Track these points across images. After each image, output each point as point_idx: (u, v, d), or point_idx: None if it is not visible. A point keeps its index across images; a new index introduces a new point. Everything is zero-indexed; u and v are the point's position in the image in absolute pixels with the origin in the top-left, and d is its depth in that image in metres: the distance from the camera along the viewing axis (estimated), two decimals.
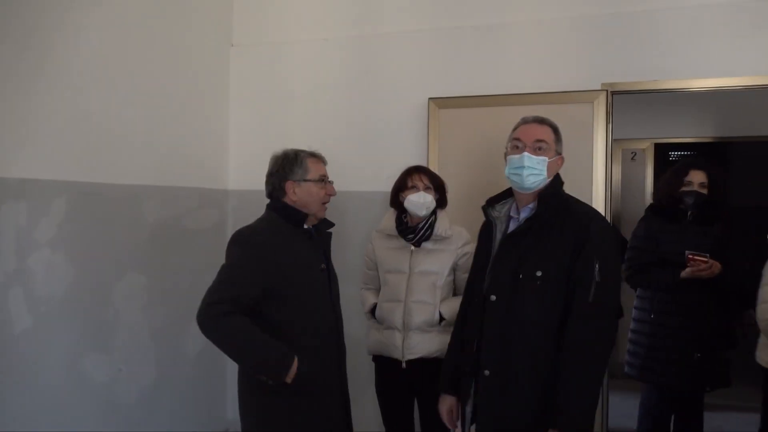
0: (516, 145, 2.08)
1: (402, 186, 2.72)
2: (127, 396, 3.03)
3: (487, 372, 2.01)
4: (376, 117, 3.47)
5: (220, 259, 2.18)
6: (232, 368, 3.70)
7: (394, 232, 2.74)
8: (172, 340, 3.32)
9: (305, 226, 2.29)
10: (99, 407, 2.87)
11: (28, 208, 2.54)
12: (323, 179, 2.32)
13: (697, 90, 3.05)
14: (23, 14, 2.53)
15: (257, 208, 3.49)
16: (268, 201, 2.33)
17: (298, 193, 2.27)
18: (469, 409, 2.12)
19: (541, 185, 2.05)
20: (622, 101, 3.26)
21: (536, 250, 1.98)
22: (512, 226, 2.10)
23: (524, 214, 2.08)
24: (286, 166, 2.27)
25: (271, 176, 2.31)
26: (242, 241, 2.17)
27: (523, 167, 2.01)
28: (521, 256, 1.99)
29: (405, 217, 2.75)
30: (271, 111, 3.70)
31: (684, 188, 3.04)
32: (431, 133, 3.26)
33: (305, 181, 2.27)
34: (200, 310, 2.04)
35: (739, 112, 5.07)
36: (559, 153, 2.11)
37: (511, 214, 2.13)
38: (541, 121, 2.12)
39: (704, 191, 3.02)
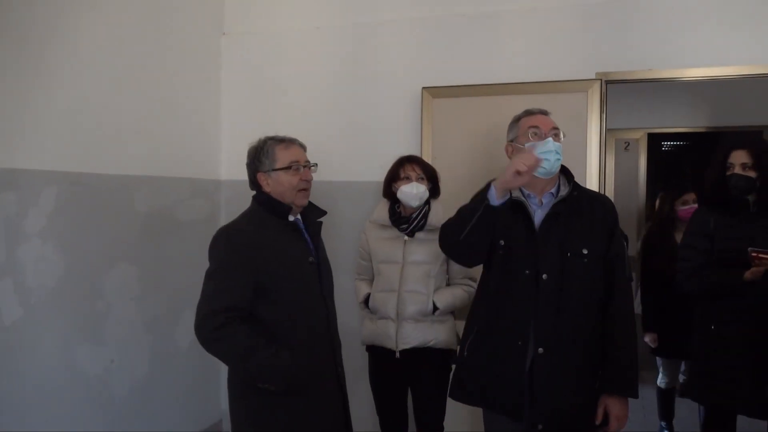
0: (535, 132, 2.10)
1: (395, 176, 2.71)
2: (120, 388, 3.02)
3: (541, 350, 2.04)
4: (369, 106, 3.45)
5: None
6: None
7: (388, 222, 2.73)
8: (165, 331, 3.30)
9: (290, 218, 2.19)
10: (91, 399, 2.85)
11: (17, 198, 2.51)
12: (294, 165, 2.17)
13: (691, 79, 3.05)
14: (16, 7, 2.48)
15: (250, 198, 3.50)
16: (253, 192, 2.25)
17: (271, 185, 2.16)
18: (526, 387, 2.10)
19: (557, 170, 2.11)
20: (616, 90, 3.26)
21: (578, 230, 2.08)
22: (534, 208, 2.12)
23: (547, 199, 2.13)
24: (255, 158, 2.18)
25: (247, 168, 2.23)
26: (226, 242, 2.07)
27: (551, 151, 2.01)
28: (565, 236, 2.07)
29: (398, 207, 2.74)
30: (262, 100, 3.67)
31: (729, 172, 2.59)
32: (425, 122, 3.25)
33: (274, 170, 2.16)
34: (197, 324, 1.98)
35: (732, 102, 5.08)
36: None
37: (531, 195, 2.14)
38: (545, 112, 2.20)
39: (751, 174, 2.53)
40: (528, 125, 2.13)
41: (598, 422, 2.06)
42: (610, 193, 5.30)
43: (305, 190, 2.20)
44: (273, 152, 2.16)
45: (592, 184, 2.99)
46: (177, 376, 3.40)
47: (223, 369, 3.63)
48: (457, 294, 2.69)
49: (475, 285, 2.47)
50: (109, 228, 2.94)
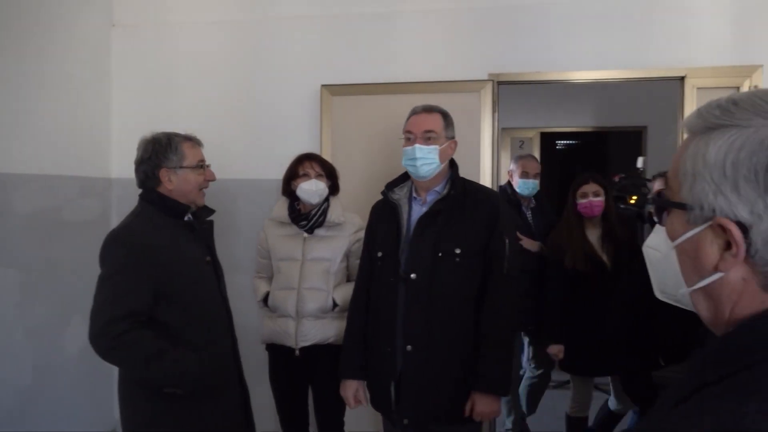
0: (408, 137, 2.20)
1: (293, 174, 2.70)
2: (1, 401, 2.82)
3: (409, 347, 2.10)
4: (268, 103, 3.41)
5: None
6: None
7: (287, 219, 2.72)
8: (51, 338, 3.12)
9: (186, 218, 2.14)
10: None
11: None
12: (201, 165, 2.16)
13: (576, 81, 3.23)
14: None
15: None
16: (140, 191, 2.15)
17: (175, 182, 2.09)
18: (392, 385, 2.18)
19: (436, 171, 2.17)
20: (510, 91, 3.40)
21: (452, 229, 2.12)
22: (417, 208, 2.22)
23: (431, 197, 2.20)
24: (160, 153, 2.08)
25: (141, 164, 2.11)
26: (120, 245, 1.98)
27: (416, 158, 2.14)
28: (438, 235, 2.11)
29: (297, 204, 2.73)
30: (156, 95, 3.54)
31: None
32: (324, 120, 3.25)
33: (182, 168, 2.10)
34: (96, 333, 1.88)
35: (615, 104, 5.43)
36: (450, 137, 2.22)
37: (414, 195, 2.24)
38: (429, 109, 2.22)
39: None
40: (405, 129, 2.22)
41: (465, 416, 2.10)
42: None
43: (204, 189, 2.19)
44: (181, 149, 2.10)
45: (485, 181, 3.10)
46: (65, 385, 3.21)
47: (116, 376, 3.50)
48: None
49: None
50: None
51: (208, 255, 2.18)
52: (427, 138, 2.15)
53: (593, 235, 3.11)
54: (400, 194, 2.26)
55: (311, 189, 2.64)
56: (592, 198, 3.08)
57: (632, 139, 5.99)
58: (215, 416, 2.08)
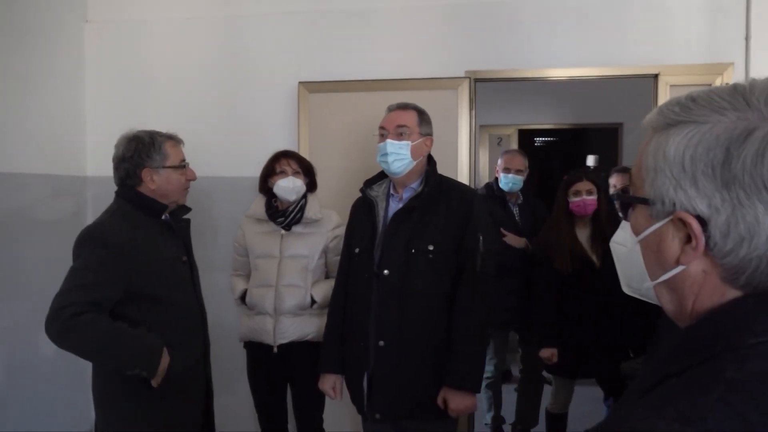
0: (381, 133, 2.21)
1: (270, 172, 2.69)
2: None
3: (381, 343, 2.12)
4: (245, 100, 3.38)
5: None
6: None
7: (264, 216, 2.71)
8: (25, 339, 3.07)
9: (164, 217, 2.12)
10: None
11: None
12: (183, 164, 2.15)
13: (553, 79, 3.26)
14: None
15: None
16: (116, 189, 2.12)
17: (157, 181, 2.06)
18: (365, 380, 2.20)
19: (409, 168, 2.17)
20: (489, 89, 3.42)
21: (426, 226, 2.13)
22: (393, 205, 2.22)
23: (407, 194, 2.21)
24: (142, 152, 2.05)
25: (122, 162, 2.07)
26: (96, 241, 1.94)
27: (387, 153, 2.15)
28: (412, 232, 2.13)
29: (275, 201, 2.72)
30: (131, 93, 3.50)
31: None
32: (301, 117, 3.24)
33: (165, 167, 2.07)
34: (50, 316, 1.83)
35: (592, 101, 5.48)
36: (426, 134, 2.22)
37: (392, 192, 2.26)
38: (404, 106, 2.23)
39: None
40: (379, 126, 2.23)
41: (439, 411, 2.11)
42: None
43: (187, 189, 2.18)
44: (164, 148, 2.08)
45: (462, 177, 3.11)
46: (40, 386, 3.17)
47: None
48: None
49: None
50: None
51: (184, 254, 2.16)
52: (399, 133, 2.17)
53: (583, 234, 3.03)
54: (378, 191, 2.27)
55: (288, 186, 2.63)
56: (585, 196, 2.97)
57: (609, 136, 6.06)
58: (181, 415, 2.08)
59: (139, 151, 2.06)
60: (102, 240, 1.94)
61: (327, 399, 2.64)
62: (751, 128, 0.60)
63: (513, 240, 3.35)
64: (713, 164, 0.61)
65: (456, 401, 2.08)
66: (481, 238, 2.11)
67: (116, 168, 2.09)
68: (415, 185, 2.21)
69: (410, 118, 2.20)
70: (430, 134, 2.24)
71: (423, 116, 2.24)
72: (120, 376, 1.97)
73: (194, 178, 2.19)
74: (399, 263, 2.11)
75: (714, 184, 0.61)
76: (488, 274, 2.15)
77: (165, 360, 1.97)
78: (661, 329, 1.95)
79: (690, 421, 0.54)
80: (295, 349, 2.62)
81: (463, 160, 3.14)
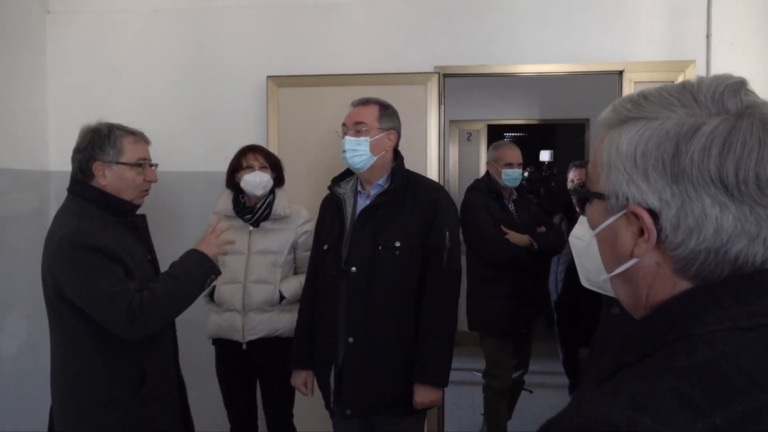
0: (343, 130, 2.21)
1: (237, 166, 2.67)
2: None
3: (351, 339, 2.13)
4: (213, 94, 3.34)
5: (41, 247, 1.92)
6: None
7: (232, 213, 2.68)
8: None
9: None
10: None
11: None
12: (142, 163, 2.02)
13: (520, 75, 3.29)
14: None
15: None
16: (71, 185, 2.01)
17: (109, 177, 1.95)
18: (332, 376, 2.21)
19: (370, 163, 2.16)
20: (458, 84, 3.44)
21: (392, 222, 2.13)
22: (361, 202, 2.22)
23: (374, 191, 2.20)
24: (96, 144, 1.94)
25: (76, 153, 1.97)
26: (86, 248, 1.83)
27: (345, 150, 2.16)
28: (378, 229, 2.13)
29: (242, 197, 2.70)
30: (95, 86, 3.43)
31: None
32: (270, 111, 3.22)
33: (118, 163, 1.96)
34: (124, 326, 1.80)
35: (559, 97, 5.54)
36: (388, 129, 2.20)
37: (359, 189, 2.25)
38: (366, 102, 2.22)
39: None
40: (342, 122, 2.23)
41: (408, 407, 2.13)
42: (454, 182, 5.59)
43: (147, 191, 2.07)
44: (121, 143, 1.97)
45: (432, 172, 3.13)
46: (1, 386, 3.10)
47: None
48: (304, 282, 2.70)
49: None
50: None
51: (148, 253, 2.10)
52: (357, 130, 2.16)
53: None
54: (346, 188, 2.27)
55: (255, 181, 2.61)
56: None
57: (577, 131, 6.14)
58: (159, 419, 2.02)
59: (93, 143, 1.95)
60: (89, 244, 1.84)
61: (297, 395, 2.62)
62: (698, 124, 0.62)
63: (516, 238, 3.21)
64: (663, 159, 0.63)
65: (421, 395, 2.10)
66: (447, 233, 2.13)
67: (72, 160, 2.00)
68: (381, 182, 2.21)
69: (370, 114, 2.18)
70: (393, 128, 2.21)
71: (386, 110, 2.21)
72: (93, 389, 1.92)
73: (154, 180, 2.08)
74: (366, 260, 2.11)
75: (664, 179, 0.63)
76: (454, 269, 2.16)
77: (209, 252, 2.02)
78: (604, 323, 1.99)
79: (642, 408, 0.55)
80: (264, 345, 2.61)
81: (433, 155, 3.16)
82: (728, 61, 3.09)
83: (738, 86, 0.64)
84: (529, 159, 10.45)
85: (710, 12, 3.09)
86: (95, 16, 3.43)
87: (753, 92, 0.65)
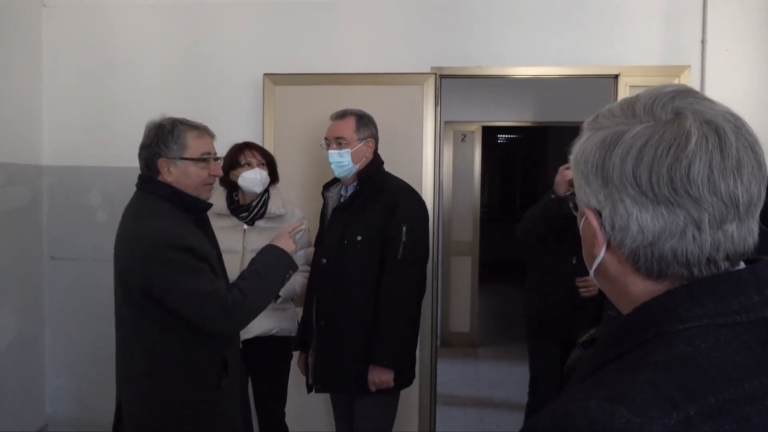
0: (327, 143, 2.44)
1: (234, 164, 2.65)
2: None
3: (322, 322, 2.42)
4: (209, 91, 3.34)
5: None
6: (50, 359, 3.43)
7: (226, 211, 2.67)
8: None
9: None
10: None
11: None
12: (206, 157, 1.97)
13: (516, 77, 3.31)
14: None
15: (77, 185, 3.24)
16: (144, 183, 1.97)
17: (174, 173, 1.90)
18: (311, 356, 2.48)
19: (353, 171, 2.42)
20: (454, 85, 3.44)
21: (358, 219, 2.39)
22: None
23: (348, 192, 2.47)
24: (160, 140, 1.89)
25: (142, 149, 1.93)
26: (178, 247, 1.81)
27: (330, 162, 2.42)
28: (345, 225, 2.40)
29: (236, 195, 2.69)
30: (90, 80, 3.41)
31: None
32: (266, 109, 3.21)
33: (182, 159, 1.91)
34: (220, 323, 1.83)
35: (554, 99, 5.56)
36: (366, 138, 2.42)
37: (342, 192, 2.50)
38: (342, 115, 2.45)
39: None
40: (324, 136, 2.46)
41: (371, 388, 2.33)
42: (448, 183, 5.60)
43: (211, 185, 2.04)
44: (184, 138, 1.92)
45: (427, 171, 3.14)
46: None
47: (49, 370, 3.38)
48: (298, 281, 2.70)
49: None
50: None
51: (215, 247, 2.08)
52: (338, 144, 2.39)
53: None
54: (333, 191, 2.54)
55: (255, 178, 2.60)
56: None
57: (572, 135, 6.13)
58: (233, 410, 2.04)
59: (158, 139, 1.91)
60: (178, 245, 1.82)
61: (290, 394, 2.68)
62: (622, 132, 0.67)
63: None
64: (596, 164, 0.69)
65: (374, 375, 2.31)
66: (404, 228, 2.33)
67: (138, 156, 1.97)
68: (354, 183, 2.45)
69: (347, 128, 2.40)
70: (370, 136, 2.44)
71: (362, 120, 2.43)
72: (179, 387, 1.91)
73: (219, 174, 2.06)
74: (334, 253, 2.40)
75: (598, 182, 0.69)
76: (411, 262, 2.36)
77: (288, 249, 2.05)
78: (603, 326, 2.01)
79: (620, 400, 0.58)
80: (258, 343, 2.60)
81: (428, 156, 3.16)
82: (723, 66, 3.12)
83: (674, 94, 0.68)
84: (524, 160, 10.55)
85: (705, 17, 3.11)
86: (91, 10, 3.41)
87: (695, 98, 0.68)
